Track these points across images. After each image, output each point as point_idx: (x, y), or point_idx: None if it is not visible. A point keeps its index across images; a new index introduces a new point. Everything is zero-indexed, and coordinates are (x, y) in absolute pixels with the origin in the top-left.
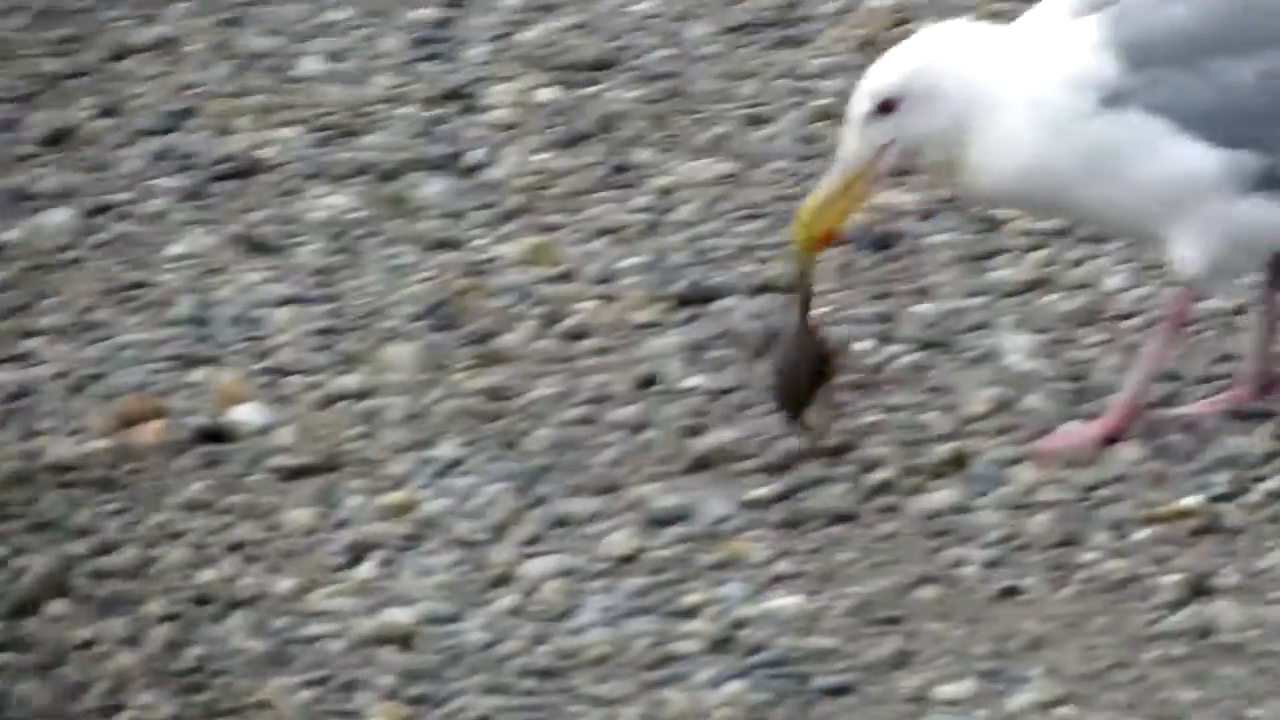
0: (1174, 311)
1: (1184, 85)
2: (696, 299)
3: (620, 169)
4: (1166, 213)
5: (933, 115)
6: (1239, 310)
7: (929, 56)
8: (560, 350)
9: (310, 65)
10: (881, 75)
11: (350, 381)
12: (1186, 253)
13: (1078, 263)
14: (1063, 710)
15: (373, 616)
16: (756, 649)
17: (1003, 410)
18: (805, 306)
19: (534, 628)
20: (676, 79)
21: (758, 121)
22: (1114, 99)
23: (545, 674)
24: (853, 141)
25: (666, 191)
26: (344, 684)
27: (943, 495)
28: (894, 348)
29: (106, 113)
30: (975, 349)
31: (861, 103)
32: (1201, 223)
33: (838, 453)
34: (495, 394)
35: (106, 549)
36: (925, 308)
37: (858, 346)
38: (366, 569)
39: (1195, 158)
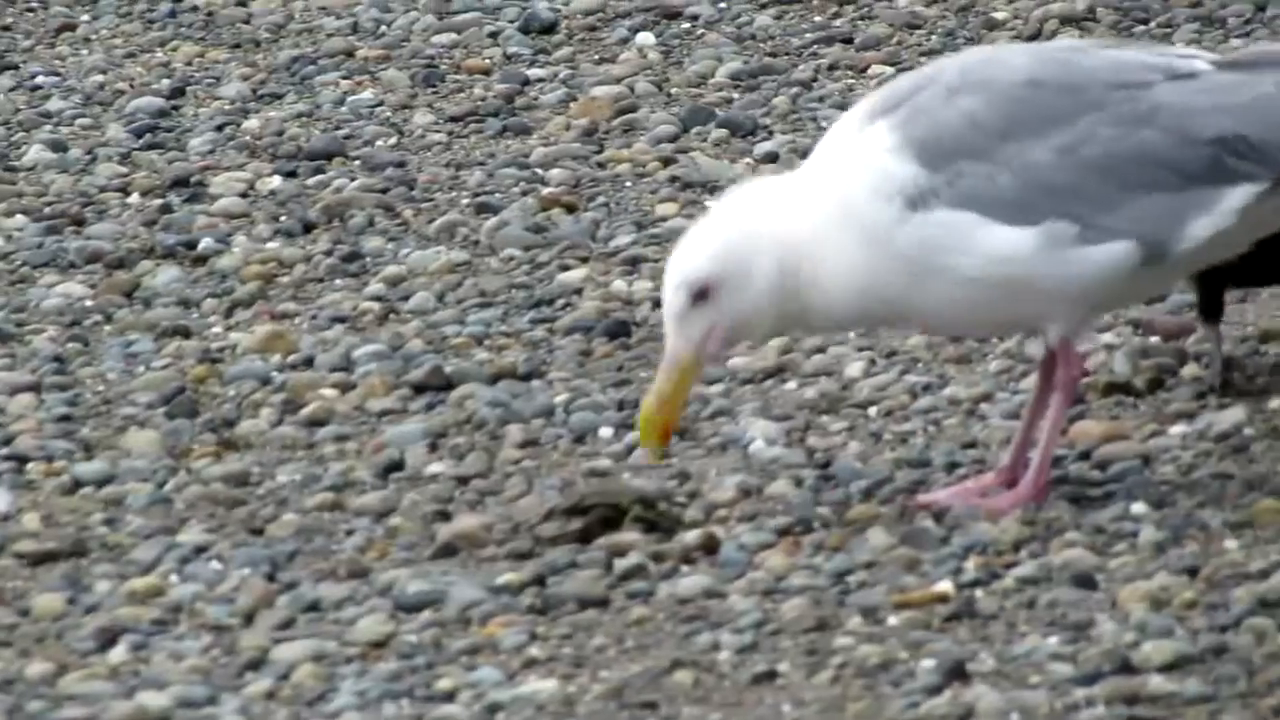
0: (1065, 377)
1: (984, 174)
2: (434, 386)
3: (351, 257)
4: (999, 299)
5: (753, 288)
6: (984, 398)
7: (733, 234)
8: (301, 437)
9: (34, 154)
10: (690, 265)
11: (92, 468)
12: (1045, 324)
13: (817, 350)
14: None
15: (127, 700)
16: None
17: (749, 496)
18: None
19: (289, 712)
20: (403, 168)
21: (486, 210)
22: (918, 200)
23: None
24: (675, 336)
25: (399, 280)
26: None
27: (693, 580)
28: (635, 435)
29: None
30: (719, 436)
31: (676, 297)
32: (1037, 295)
33: (585, 538)
34: (238, 480)
35: None
36: None
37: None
38: (118, 653)
39: (1009, 239)
